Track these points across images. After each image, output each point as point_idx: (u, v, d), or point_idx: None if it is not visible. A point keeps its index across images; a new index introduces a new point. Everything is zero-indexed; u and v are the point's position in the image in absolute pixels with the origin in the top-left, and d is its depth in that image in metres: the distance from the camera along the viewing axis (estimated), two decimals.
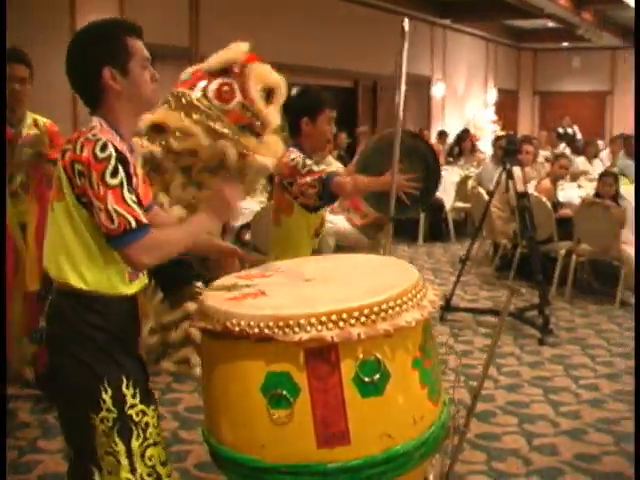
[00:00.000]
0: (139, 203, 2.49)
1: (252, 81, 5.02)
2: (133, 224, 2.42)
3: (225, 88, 5.06)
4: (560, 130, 18.24)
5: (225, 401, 2.55)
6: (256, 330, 2.38)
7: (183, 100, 5.11)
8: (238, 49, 5.14)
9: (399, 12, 14.43)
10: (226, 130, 4.95)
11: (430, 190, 4.50)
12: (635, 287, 7.19)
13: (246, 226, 7.76)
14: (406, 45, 4.20)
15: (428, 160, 4.43)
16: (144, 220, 2.46)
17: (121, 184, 2.43)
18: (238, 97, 5.11)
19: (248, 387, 2.44)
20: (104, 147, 2.44)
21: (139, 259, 2.46)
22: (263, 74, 5.02)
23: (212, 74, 5.12)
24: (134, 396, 2.60)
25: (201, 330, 2.65)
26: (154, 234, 2.51)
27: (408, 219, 10.00)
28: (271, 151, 4.84)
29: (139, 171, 2.69)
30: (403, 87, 4.22)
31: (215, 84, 5.13)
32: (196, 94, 5.11)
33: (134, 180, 2.50)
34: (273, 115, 5.01)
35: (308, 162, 4.01)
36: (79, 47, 2.61)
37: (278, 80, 4.88)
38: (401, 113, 4.22)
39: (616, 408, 5.10)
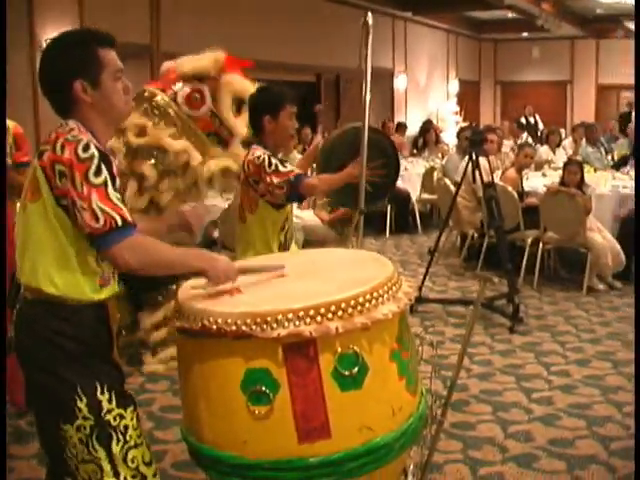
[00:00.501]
0: (122, 201, 2.46)
1: (224, 92, 5.06)
2: (119, 222, 2.40)
3: (196, 95, 5.11)
4: (522, 119, 18.37)
5: (205, 399, 2.54)
6: (234, 327, 2.38)
7: (151, 102, 5.12)
8: (214, 59, 5.16)
9: (361, 6, 14.45)
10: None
11: (392, 179, 4.54)
12: (635, 283, 7.27)
13: (214, 223, 7.75)
14: (370, 39, 4.21)
15: (387, 150, 4.47)
16: (130, 219, 2.44)
17: (105, 183, 2.41)
18: (208, 104, 5.15)
19: (228, 384, 2.44)
20: (86, 147, 2.41)
21: (124, 258, 2.43)
22: (236, 85, 5.06)
23: (185, 78, 5.14)
24: (110, 401, 2.58)
25: (178, 329, 2.63)
26: (141, 237, 2.50)
27: (375, 211, 10.06)
28: (238, 161, 4.85)
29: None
30: (369, 79, 4.23)
31: (186, 89, 5.15)
32: (164, 97, 5.14)
33: (117, 181, 2.47)
34: (241, 126, 5.04)
35: (274, 161, 3.99)
36: (50, 58, 2.58)
37: (249, 91, 4.88)
38: (367, 106, 4.23)
39: (587, 393, 5.16)
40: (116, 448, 2.58)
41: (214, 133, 5.30)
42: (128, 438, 2.61)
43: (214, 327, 2.41)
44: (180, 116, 5.20)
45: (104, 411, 2.57)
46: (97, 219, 2.38)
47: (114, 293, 2.72)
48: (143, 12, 10.39)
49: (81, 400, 2.53)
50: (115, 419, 2.59)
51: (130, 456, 2.61)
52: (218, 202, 7.85)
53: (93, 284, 2.58)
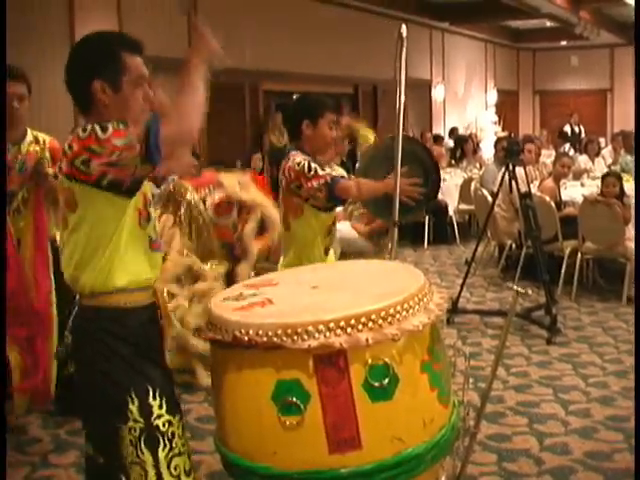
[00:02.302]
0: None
1: (254, 213, 5.21)
2: (142, 134, 2.41)
3: (225, 204, 5.24)
4: (567, 128, 18.26)
5: (236, 410, 2.56)
6: (265, 339, 2.39)
7: (181, 196, 5.33)
8: (253, 199, 5.36)
9: (397, 17, 14.47)
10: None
11: (430, 194, 4.50)
12: (635, 286, 7.21)
13: None
14: (404, 51, 4.21)
15: (426, 164, 4.44)
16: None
17: (126, 142, 2.42)
18: (233, 216, 5.27)
19: (259, 395, 2.45)
20: (104, 129, 2.43)
21: (168, 134, 2.43)
22: (267, 210, 5.21)
23: (221, 187, 5.31)
24: (160, 406, 2.65)
25: (210, 340, 2.66)
26: (164, 121, 2.48)
27: (413, 223, 10.05)
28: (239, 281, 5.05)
29: None
30: (403, 92, 4.23)
31: (218, 196, 5.29)
32: (194, 195, 5.33)
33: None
34: (254, 251, 5.21)
35: (313, 165, 3.98)
36: (76, 55, 2.66)
37: (276, 222, 5.01)
38: (401, 119, 4.23)
39: (626, 405, 5.11)
40: (162, 454, 2.63)
41: (228, 245, 5.43)
42: (174, 445, 2.66)
43: (245, 338, 2.43)
44: (204, 218, 5.33)
45: (154, 416, 2.63)
46: (131, 148, 2.40)
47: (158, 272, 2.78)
48: (181, 28, 10.50)
49: (133, 403, 2.60)
50: (164, 425, 2.65)
51: (174, 464, 2.66)
52: None
53: (148, 258, 2.68)
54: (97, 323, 2.63)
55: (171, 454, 2.65)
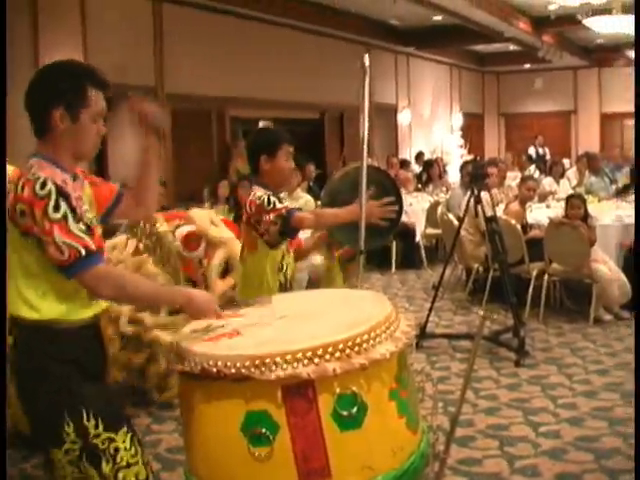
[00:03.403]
0: (88, 230, 2.55)
1: (221, 254, 5.24)
2: (83, 252, 2.51)
3: (194, 237, 5.24)
4: (532, 150, 18.46)
5: (206, 441, 2.57)
6: (233, 370, 2.40)
7: (152, 227, 5.33)
8: (223, 234, 5.40)
9: (363, 42, 14.61)
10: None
11: (396, 218, 4.54)
12: (635, 291, 7.25)
13: None
14: (367, 80, 4.24)
15: (390, 190, 4.47)
16: (93, 247, 2.53)
17: (65, 217, 2.51)
18: (200, 252, 5.29)
19: (228, 426, 2.46)
20: (43, 184, 2.50)
21: (95, 285, 2.55)
22: (233, 254, 5.23)
23: (190, 222, 5.32)
24: (96, 426, 2.64)
25: (179, 372, 2.67)
26: (110, 267, 2.66)
27: (381, 247, 10.07)
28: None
29: (86, 197, 2.74)
30: (366, 122, 4.26)
31: (187, 228, 5.31)
32: (165, 227, 5.33)
33: (79, 210, 2.56)
34: (218, 289, 5.24)
35: (272, 199, 3.99)
36: (42, 79, 2.70)
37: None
38: (366, 147, 4.27)
39: (595, 425, 5.15)
40: (106, 468, 2.66)
41: (193, 282, 5.44)
42: (119, 460, 2.68)
43: (214, 370, 2.43)
44: (171, 250, 5.35)
45: (91, 436, 2.63)
46: (62, 252, 2.49)
47: (103, 309, 2.80)
48: (147, 54, 10.51)
49: (68, 425, 2.61)
50: (103, 443, 2.66)
51: (121, 475, 2.68)
52: None
53: (82, 300, 2.67)
54: (31, 342, 2.63)
55: (117, 467, 2.67)
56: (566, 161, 16.45)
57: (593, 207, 8.87)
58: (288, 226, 3.99)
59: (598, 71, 21.47)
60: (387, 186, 4.47)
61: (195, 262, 5.49)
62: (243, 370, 2.39)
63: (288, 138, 4.22)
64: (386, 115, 16.74)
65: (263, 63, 12.62)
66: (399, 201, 4.50)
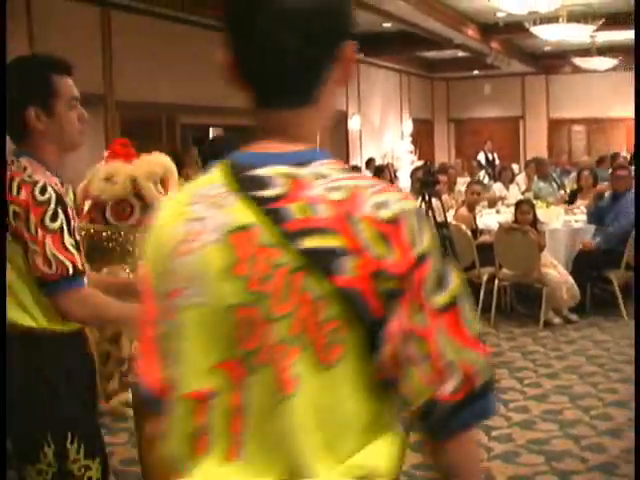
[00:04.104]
0: (78, 247, 2.44)
1: (145, 184, 5.04)
2: (70, 270, 2.39)
3: (122, 205, 5.06)
4: (481, 156, 18.62)
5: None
6: None
7: None
8: (125, 177, 5.14)
9: None
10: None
11: None
12: (635, 295, 7.32)
13: None
14: None
15: None
16: (81, 267, 2.43)
17: (61, 228, 2.39)
18: (136, 205, 5.13)
19: None
20: (43, 189, 2.39)
21: (71, 309, 2.43)
22: (151, 172, 5.06)
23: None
24: (78, 451, 2.53)
25: (133, 383, 2.65)
26: (92, 290, 2.50)
27: None
28: None
29: (70, 203, 2.63)
30: None
31: (109, 205, 5.15)
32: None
33: (73, 222, 2.46)
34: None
35: None
36: (4, 84, 2.55)
37: (161, 164, 4.91)
38: None
39: (546, 428, 5.21)
40: None
41: None
42: None
43: None
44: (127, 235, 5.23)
45: (70, 460, 2.52)
46: (49, 265, 2.37)
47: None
48: (96, 61, 10.43)
49: (49, 446, 2.50)
50: (80, 470, 2.55)
51: None
52: None
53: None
54: (24, 350, 2.52)
55: None
56: (515, 166, 16.63)
57: (542, 212, 8.98)
58: None
59: (545, 78, 21.75)
60: None
61: (142, 216, 5.13)
62: None
63: (240, 147, 4.23)
64: (336, 121, 16.77)
65: (213, 70, 12.47)
66: None
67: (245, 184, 1.33)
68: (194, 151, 12.36)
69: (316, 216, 1.26)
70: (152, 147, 12.14)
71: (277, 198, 1.29)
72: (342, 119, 17.39)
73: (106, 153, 5.01)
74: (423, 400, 1.28)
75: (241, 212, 1.30)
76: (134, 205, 5.10)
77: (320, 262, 1.24)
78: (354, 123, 17.83)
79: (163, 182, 5.01)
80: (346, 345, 1.26)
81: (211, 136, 14.90)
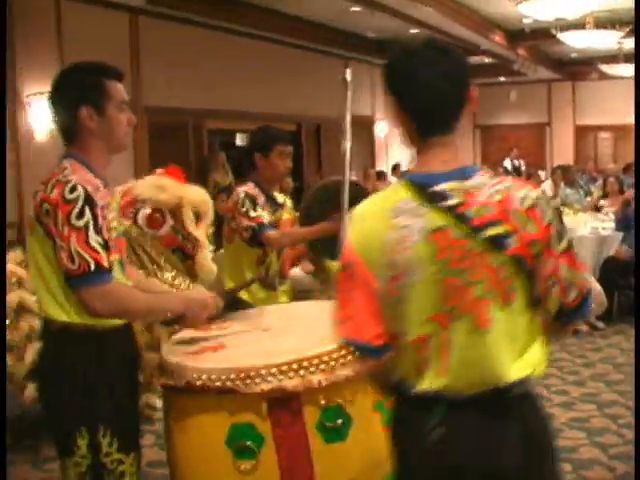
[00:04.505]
0: (105, 245, 2.51)
1: (186, 208, 5.16)
2: (92, 267, 2.46)
3: (156, 215, 5.16)
4: (507, 163, 18.56)
5: (191, 455, 2.57)
6: (218, 383, 2.41)
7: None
8: (174, 191, 5.23)
9: (338, 55, 14.66)
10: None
11: None
12: (635, 298, 7.29)
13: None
14: (349, 94, 4.26)
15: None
16: (106, 264, 2.49)
17: (86, 226, 2.47)
18: (169, 222, 5.23)
19: (213, 440, 2.47)
20: (73, 189, 2.49)
21: (93, 305, 2.48)
22: (196, 200, 5.18)
23: (143, 200, 5.22)
24: (110, 444, 2.60)
25: (162, 386, 2.67)
26: (115, 285, 2.54)
27: None
28: (205, 270, 5.00)
29: (114, 205, 2.76)
30: (349, 137, 4.27)
31: (147, 210, 5.23)
32: (123, 223, 5.24)
33: (101, 221, 2.53)
34: (203, 236, 5.21)
35: (247, 203, 4.17)
36: (60, 85, 2.73)
37: (206, 202, 5.06)
38: (348, 161, 4.27)
39: (573, 436, 5.17)
40: None
41: (178, 248, 5.40)
42: None
43: (198, 383, 2.45)
44: (139, 239, 5.29)
45: (102, 453, 2.59)
46: (72, 261, 2.45)
47: None
48: (124, 67, 10.49)
49: (82, 438, 2.57)
50: (112, 463, 2.62)
51: None
52: None
53: None
54: (59, 345, 2.61)
55: None
56: (541, 173, 16.56)
57: (569, 219, 8.93)
58: (257, 240, 4.18)
59: (572, 84, 21.65)
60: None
61: (171, 233, 5.36)
62: (228, 383, 2.40)
63: (285, 138, 4.41)
64: (363, 128, 16.77)
65: (240, 75, 12.62)
66: None
67: (431, 198, 1.98)
68: (221, 156, 12.46)
69: (488, 214, 1.96)
70: (179, 152, 12.24)
71: (458, 205, 1.96)
72: (368, 125, 17.40)
73: (159, 170, 5.21)
74: (557, 307, 2.06)
75: (434, 218, 1.97)
76: (166, 220, 5.24)
77: (497, 243, 1.96)
78: (380, 129, 17.81)
79: (199, 217, 5.19)
80: (517, 290, 2.00)
81: (238, 141, 14.98)
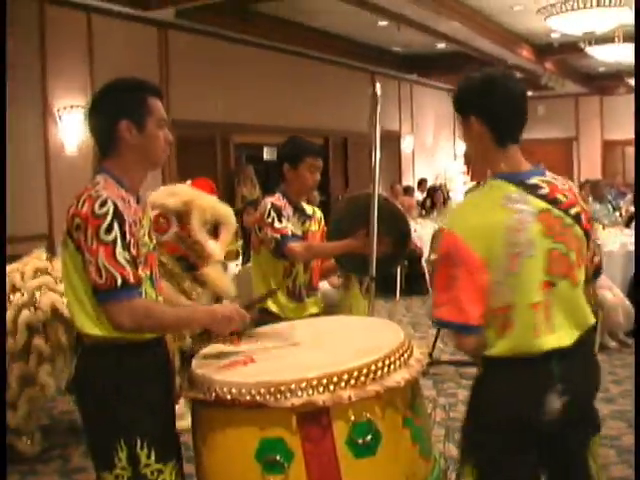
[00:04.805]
0: (133, 261, 2.54)
1: (195, 214, 5.12)
2: (119, 282, 2.49)
3: (161, 220, 5.14)
4: None
5: (219, 468, 2.56)
6: (248, 397, 2.41)
7: None
8: (182, 201, 5.20)
9: (366, 69, 14.69)
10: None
11: (398, 256, 4.54)
12: (635, 301, 7.23)
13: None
14: (379, 108, 4.26)
15: (399, 225, 4.43)
16: (132, 280, 2.52)
17: (114, 241, 2.50)
18: (174, 228, 5.19)
19: (242, 454, 2.45)
20: (103, 204, 2.51)
21: (119, 319, 2.51)
22: (208, 208, 5.14)
23: (153, 206, 5.22)
24: (149, 456, 2.62)
25: (192, 399, 2.66)
26: (142, 300, 2.57)
27: (385, 274, 10.05)
28: (211, 280, 4.96)
29: (146, 221, 2.77)
30: (378, 151, 4.26)
31: (152, 214, 5.21)
32: None
33: (128, 237, 2.55)
34: (215, 248, 5.14)
35: (273, 214, 4.16)
36: (102, 98, 2.76)
37: (226, 213, 5.03)
38: (377, 175, 4.26)
39: (604, 453, 5.00)
40: None
41: (181, 257, 5.36)
42: None
43: (228, 397, 2.44)
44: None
45: (142, 465, 2.61)
46: (100, 275, 2.49)
47: None
48: (152, 80, 10.53)
49: (122, 451, 2.59)
50: (153, 473, 2.64)
51: None
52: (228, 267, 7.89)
53: None
54: (95, 359, 2.64)
55: None
56: None
57: (598, 234, 8.85)
58: (280, 251, 4.15)
59: (600, 99, 21.56)
60: (393, 225, 4.42)
61: (174, 239, 5.30)
62: (258, 397, 2.40)
63: (315, 151, 4.41)
64: (389, 142, 16.77)
65: (267, 89, 12.67)
66: (406, 230, 4.49)
67: (530, 189, 2.55)
68: (249, 170, 12.48)
69: (568, 199, 2.58)
70: (206, 166, 12.31)
71: (549, 193, 2.56)
72: (395, 139, 17.39)
73: (188, 182, 5.22)
74: (595, 267, 2.78)
75: (537, 203, 2.52)
76: (171, 225, 5.21)
77: (578, 220, 2.58)
78: (407, 143, 17.81)
79: (217, 230, 5.14)
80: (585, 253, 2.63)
81: (265, 155, 14.99)
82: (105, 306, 2.52)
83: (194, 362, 2.79)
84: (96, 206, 2.51)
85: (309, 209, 4.52)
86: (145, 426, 2.62)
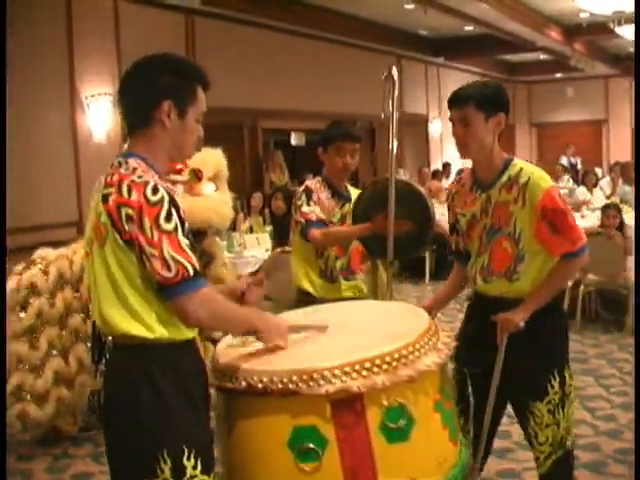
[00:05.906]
0: (193, 248, 2.37)
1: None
2: (191, 272, 2.31)
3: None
4: (564, 160, 18.33)
5: (250, 458, 2.53)
6: (280, 385, 2.38)
7: None
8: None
9: (393, 53, 14.62)
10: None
11: (422, 238, 4.54)
12: (635, 300, 7.20)
13: (253, 274, 7.78)
14: (396, 93, 4.22)
15: (420, 205, 4.42)
16: (198, 266, 2.34)
17: (176, 229, 2.31)
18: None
19: (274, 442, 2.43)
20: (155, 190, 2.32)
21: (195, 311, 2.33)
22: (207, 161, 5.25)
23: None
24: (195, 467, 2.41)
25: (219, 389, 2.60)
26: (212, 290, 2.41)
27: (414, 258, 10.03)
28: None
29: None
30: (394, 135, 4.23)
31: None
32: None
33: (186, 224, 2.38)
34: (206, 187, 5.25)
35: (303, 198, 4.27)
36: (152, 69, 2.53)
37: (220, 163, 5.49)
38: (394, 159, 4.24)
39: (632, 438, 5.10)
40: None
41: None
42: None
43: (259, 386, 2.41)
44: None
45: (187, 477, 2.40)
46: (169, 268, 2.28)
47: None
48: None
49: (165, 462, 2.37)
50: None
51: None
52: (257, 253, 7.92)
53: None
54: (139, 363, 2.40)
55: None
56: (598, 170, 16.34)
57: (627, 216, 8.80)
58: (305, 236, 4.25)
59: (629, 80, 21.33)
60: (415, 199, 4.42)
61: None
62: (290, 385, 2.37)
63: (345, 134, 4.40)
64: (417, 126, 16.72)
65: (294, 75, 12.66)
66: (427, 211, 4.47)
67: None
68: (278, 156, 12.48)
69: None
70: (234, 152, 12.32)
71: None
72: (423, 123, 17.33)
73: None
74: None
75: None
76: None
77: None
78: (435, 127, 17.74)
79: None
80: None
81: (292, 140, 14.98)
82: (180, 300, 2.31)
83: (217, 350, 2.73)
84: (149, 193, 2.30)
85: (353, 192, 4.54)
86: (192, 434, 2.42)
